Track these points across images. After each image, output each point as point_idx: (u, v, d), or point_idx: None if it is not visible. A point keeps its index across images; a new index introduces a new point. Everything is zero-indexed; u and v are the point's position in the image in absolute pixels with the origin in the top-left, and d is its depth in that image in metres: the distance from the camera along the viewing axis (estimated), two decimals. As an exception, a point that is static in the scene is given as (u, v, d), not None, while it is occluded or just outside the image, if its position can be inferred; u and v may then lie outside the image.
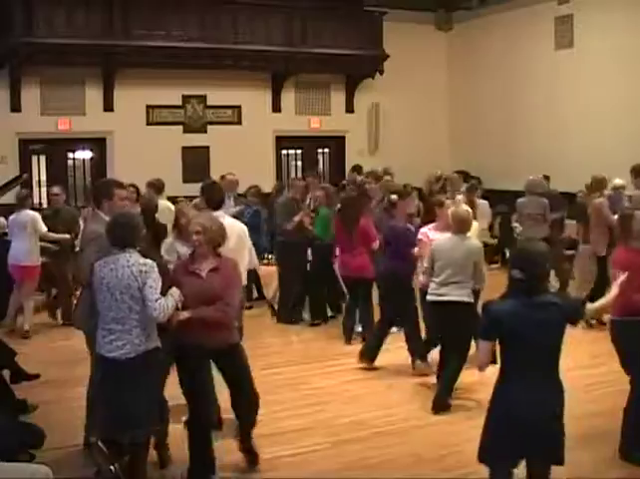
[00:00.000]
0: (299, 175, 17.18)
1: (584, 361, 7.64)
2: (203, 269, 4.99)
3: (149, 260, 4.75)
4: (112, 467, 4.61)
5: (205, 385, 4.97)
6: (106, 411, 4.71)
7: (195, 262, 5.03)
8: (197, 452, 4.95)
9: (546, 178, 11.71)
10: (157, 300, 4.61)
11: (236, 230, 6.28)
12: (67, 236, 9.56)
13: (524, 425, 3.88)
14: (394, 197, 8.05)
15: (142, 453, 4.73)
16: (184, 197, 13.58)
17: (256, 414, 5.24)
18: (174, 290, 4.80)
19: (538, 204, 10.20)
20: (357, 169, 14.19)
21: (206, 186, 6.88)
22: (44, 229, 9.24)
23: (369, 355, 7.72)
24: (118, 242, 4.77)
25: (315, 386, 7.18)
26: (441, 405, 6.47)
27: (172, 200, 12.95)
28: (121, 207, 5.41)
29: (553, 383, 4.00)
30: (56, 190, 10.24)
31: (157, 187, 9.77)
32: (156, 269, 4.70)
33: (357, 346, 8.13)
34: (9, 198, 10.50)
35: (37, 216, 9.36)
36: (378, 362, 7.71)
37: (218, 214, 6.02)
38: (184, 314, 4.83)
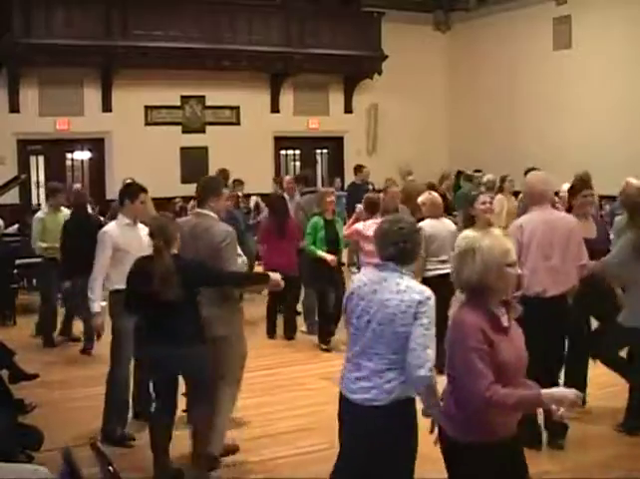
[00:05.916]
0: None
1: None
2: (505, 319, 3.25)
3: (426, 290, 3.52)
4: (110, 467, 4.60)
5: None
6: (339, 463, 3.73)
7: (497, 307, 3.23)
8: None
9: None
10: (426, 349, 3.40)
11: None
12: None
13: None
14: None
15: None
16: (182, 197, 13.71)
17: None
18: None
19: None
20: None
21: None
22: None
23: None
24: (394, 258, 3.57)
25: (312, 387, 7.16)
26: None
27: (170, 200, 13.09)
28: (224, 207, 5.51)
29: None
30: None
31: None
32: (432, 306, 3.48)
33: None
34: (9, 198, 10.51)
35: None
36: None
37: None
38: None
